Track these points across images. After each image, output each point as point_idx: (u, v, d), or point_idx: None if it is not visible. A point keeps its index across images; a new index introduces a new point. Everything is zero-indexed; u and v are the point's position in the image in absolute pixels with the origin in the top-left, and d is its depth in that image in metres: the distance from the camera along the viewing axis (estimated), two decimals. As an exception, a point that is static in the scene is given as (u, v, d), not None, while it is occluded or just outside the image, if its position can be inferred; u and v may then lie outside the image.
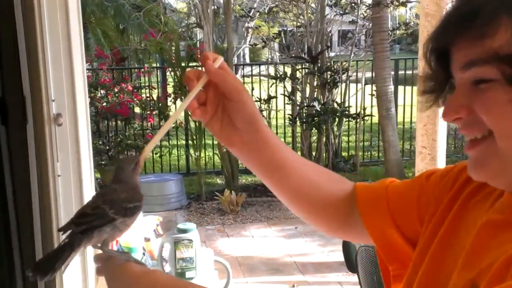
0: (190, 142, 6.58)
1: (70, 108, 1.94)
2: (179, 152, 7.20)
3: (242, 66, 9.36)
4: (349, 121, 6.83)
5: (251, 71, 7.73)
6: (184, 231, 2.30)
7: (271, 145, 0.84)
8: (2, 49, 1.87)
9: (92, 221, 0.74)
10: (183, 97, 6.36)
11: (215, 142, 6.59)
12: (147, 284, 0.75)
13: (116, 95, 6.72)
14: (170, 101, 6.96)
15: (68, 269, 2.02)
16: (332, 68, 6.39)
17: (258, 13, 8.37)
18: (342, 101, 6.70)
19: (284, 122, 7.14)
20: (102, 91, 6.67)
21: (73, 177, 2.00)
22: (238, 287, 3.74)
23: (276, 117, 7.28)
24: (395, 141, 6.24)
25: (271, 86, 6.71)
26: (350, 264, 2.18)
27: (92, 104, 6.04)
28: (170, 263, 2.25)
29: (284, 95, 6.74)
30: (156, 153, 7.06)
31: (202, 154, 6.61)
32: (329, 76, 6.38)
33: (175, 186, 5.72)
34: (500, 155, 0.65)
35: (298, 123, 6.56)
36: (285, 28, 7.71)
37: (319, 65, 6.38)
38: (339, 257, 4.40)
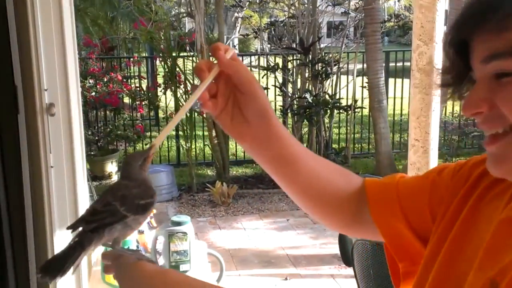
0: (180, 133, 6.53)
1: (63, 97, 1.90)
2: (169, 143, 7.15)
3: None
4: (340, 113, 6.83)
5: (242, 61, 7.68)
6: (178, 223, 2.27)
7: (282, 140, 0.81)
8: (-8, 36, 1.82)
9: (103, 219, 0.70)
10: (173, 87, 6.31)
11: (206, 133, 6.55)
12: (161, 284, 0.72)
13: (106, 84, 6.64)
14: (160, 91, 6.89)
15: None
16: (324, 60, 6.36)
17: (248, 3, 8.30)
18: (334, 93, 6.69)
19: (276, 114, 7.10)
20: (91, 81, 6.59)
21: (66, 168, 1.96)
22: (230, 280, 3.72)
23: (268, 109, 7.24)
24: (387, 133, 6.24)
25: (262, 77, 6.67)
26: (346, 257, 2.17)
27: (81, 94, 5.96)
28: (164, 256, 2.22)
29: (275, 86, 6.70)
30: (146, 144, 7.01)
31: (193, 145, 6.57)
32: (320, 67, 6.35)
33: (166, 178, 5.67)
34: None
35: (289, 114, 6.54)
36: (277, 19, 7.66)
37: (310, 56, 6.35)
38: (331, 250, 4.41)
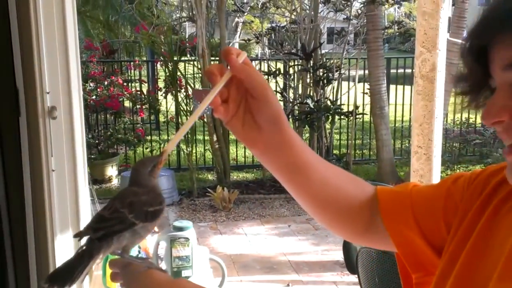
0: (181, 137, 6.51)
1: (65, 101, 1.88)
2: (169, 147, 7.11)
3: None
4: (341, 119, 6.81)
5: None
6: (180, 229, 2.25)
7: (295, 147, 0.79)
8: (-6, 38, 1.80)
9: (110, 226, 0.68)
10: (174, 92, 6.30)
11: (207, 138, 6.53)
12: None
13: (106, 88, 6.62)
14: (161, 95, 6.88)
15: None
16: (326, 66, 6.35)
17: (249, 8, 8.30)
18: (335, 99, 6.68)
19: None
20: (92, 84, 6.58)
21: (67, 172, 1.94)
22: (232, 286, 3.69)
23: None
24: (388, 140, 6.23)
25: (263, 82, 6.65)
26: (350, 264, 2.14)
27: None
28: (166, 261, 2.20)
29: (276, 92, 6.69)
30: (146, 148, 6.99)
31: (194, 150, 6.55)
32: (322, 73, 6.34)
33: (167, 182, 5.65)
34: None
35: (290, 120, 6.52)
36: (278, 24, 7.66)
37: (312, 62, 6.33)
38: (333, 256, 4.39)
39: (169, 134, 7.16)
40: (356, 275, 2.19)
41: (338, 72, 6.55)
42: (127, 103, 7.19)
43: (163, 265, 2.19)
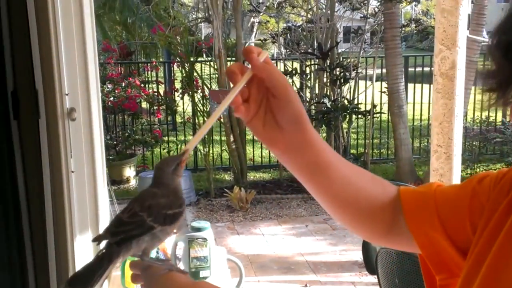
0: (198, 138, 6.52)
1: (84, 102, 1.88)
2: (186, 148, 7.13)
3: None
4: (358, 118, 6.76)
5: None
6: (198, 229, 2.25)
7: (316, 146, 0.77)
8: (13, 41, 1.82)
9: (129, 231, 0.67)
10: (190, 92, 6.32)
11: (223, 138, 6.54)
12: None
13: (124, 89, 6.67)
14: (178, 96, 6.90)
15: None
16: (343, 65, 6.31)
17: (265, 8, 8.29)
18: (352, 98, 6.64)
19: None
20: (110, 86, 6.63)
21: (87, 173, 1.95)
22: (250, 286, 3.69)
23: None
24: (407, 139, 6.16)
25: (280, 82, 6.63)
26: (370, 265, 2.12)
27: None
28: (184, 261, 2.20)
29: (293, 91, 6.66)
30: (163, 149, 7.02)
31: (211, 150, 6.56)
32: (339, 72, 6.30)
33: (184, 182, 5.66)
34: None
35: (307, 119, 6.49)
36: (294, 24, 7.63)
37: (329, 61, 6.30)
38: (351, 256, 4.36)
39: (186, 135, 7.19)
40: (376, 276, 2.17)
41: (355, 71, 6.51)
42: (144, 104, 7.23)
43: (181, 266, 2.20)
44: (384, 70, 6.53)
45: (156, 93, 7.14)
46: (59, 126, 1.83)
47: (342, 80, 6.22)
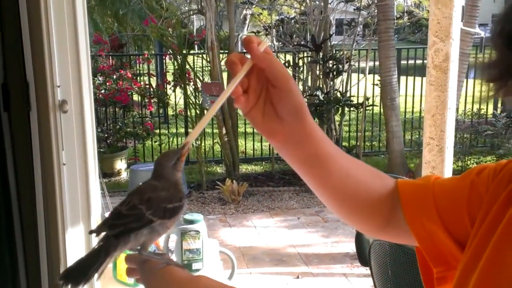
0: (190, 130, 6.50)
1: (75, 94, 1.86)
2: (178, 140, 7.12)
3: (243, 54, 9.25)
4: (350, 111, 6.77)
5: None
6: (191, 222, 2.24)
7: (316, 138, 0.76)
8: (4, 32, 1.79)
9: (127, 223, 0.66)
10: (182, 85, 6.28)
11: (215, 131, 6.52)
12: None
13: (115, 82, 6.63)
14: (170, 88, 6.87)
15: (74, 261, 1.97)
16: (336, 57, 6.31)
17: (258, 0, 8.25)
18: (344, 90, 6.64)
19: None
20: (101, 78, 6.58)
21: (78, 165, 1.93)
22: (242, 278, 3.69)
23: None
24: (399, 132, 6.18)
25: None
26: (363, 257, 2.12)
27: (91, 91, 5.96)
28: (177, 254, 2.19)
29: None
30: (155, 142, 6.99)
31: (203, 143, 6.54)
32: (331, 65, 6.30)
33: (176, 175, 5.64)
34: None
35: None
36: (287, 16, 7.61)
37: (321, 53, 6.29)
38: (343, 248, 4.37)
39: (178, 127, 7.16)
40: (368, 268, 2.17)
41: (348, 64, 6.51)
42: (135, 97, 7.19)
43: (173, 258, 2.19)
44: (376, 63, 6.53)
45: (148, 86, 7.10)
46: (50, 118, 1.81)
47: (335, 73, 6.21)
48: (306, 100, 6.46)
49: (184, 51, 6.11)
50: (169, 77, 7.03)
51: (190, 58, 6.40)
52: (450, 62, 2.65)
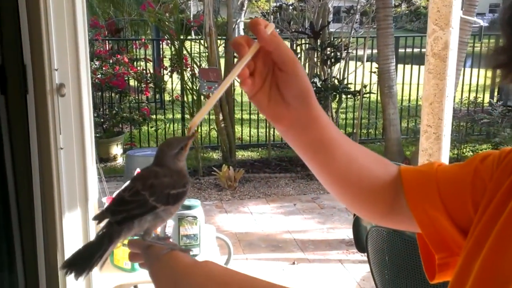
0: (187, 116, 6.49)
1: (73, 78, 1.84)
2: (174, 126, 7.10)
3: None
4: (347, 98, 6.76)
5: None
6: (188, 207, 2.24)
7: (321, 124, 0.75)
8: (1, 14, 1.76)
9: (130, 210, 0.65)
10: (179, 70, 6.25)
11: (212, 117, 6.50)
12: (199, 276, 0.66)
13: (112, 66, 6.58)
14: (167, 74, 6.83)
15: (71, 246, 1.96)
16: (334, 44, 6.28)
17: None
18: (342, 78, 6.62)
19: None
20: (97, 63, 6.53)
21: (76, 150, 1.92)
22: (238, 264, 3.70)
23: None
24: (396, 119, 6.18)
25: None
26: (360, 244, 2.13)
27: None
28: (174, 239, 2.19)
29: (283, 70, 6.62)
30: (151, 127, 6.97)
31: (199, 129, 6.53)
32: (329, 52, 6.27)
33: (172, 161, 5.63)
34: None
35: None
36: (285, 2, 7.55)
37: (319, 41, 6.26)
38: (339, 234, 4.39)
39: (175, 113, 7.13)
40: (364, 254, 2.18)
41: (345, 51, 6.49)
42: (132, 82, 7.15)
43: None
44: (374, 51, 6.51)
45: (144, 71, 7.06)
46: (48, 102, 1.80)
47: (333, 60, 6.19)
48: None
49: (182, 37, 6.06)
50: (166, 63, 6.99)
51: (187, 44, 6.36)
52: (449, 50, 2.64)
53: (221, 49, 6.24)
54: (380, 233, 1.97)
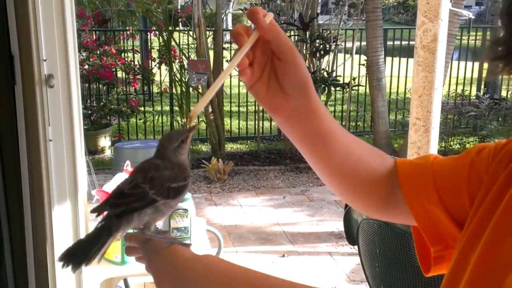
0: (176, 108, 6.45)
1: (62, 68, 1.81)
2: (163, 119, 7.06)
3: (229, 32, 9.15)
4: (336, 90, 6.76)
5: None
6: (179, 200, 2.23)
7: (320, 115, 0.75)
8: (-13, 3, 1.73)
9: (130, 203, 0.63)
10: (168, 62, 6.20)
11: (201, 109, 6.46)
12: (199, 270, 0.65)
13: (99, 57, 6.51)
14: (155, 65, 6.78)
15: (61, 240, 1.94)
16: (323, 36, 6.27)
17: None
18: (331, 70, 6.62)
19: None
20: (84, 54, 6.46)
21: (65, 142, 1.89)
22: (228, 257, 3.70)
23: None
24: (385, 112, 6.20)
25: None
26: (351, 236, 2.13)
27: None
28: (165, 233, 2.18)
29: (272, 63, 6.60)
30: (140, 119, 6.92)
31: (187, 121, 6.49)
32: (319, 44, 6.26)
33: (161, 153, 5.61)
34: None
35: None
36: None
37: (308, 32, 6.25)
38: (328, 227, 4.41)
39: (163, 105, 7.09)
40: (353, 247, 2.18)
41: (334, 43, 6.48)
42: (120, 74, 7.09)
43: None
44: (363, 43, 6.51)
45: (132, 62, 7.00)
46: (36, 93, 1.76)
47: (322, 52, 6.18)
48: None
49: (170, 28, 6.02)
50: (154, 54, 6.93)
51: (175, 35, 6.31)
52: (438, 42, 2.64)
53: (210, 40, 6.20)
54: (371, 225, 1.97)
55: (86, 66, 6.37)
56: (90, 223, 2.17)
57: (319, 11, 6.79)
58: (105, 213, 0.65)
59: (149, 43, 7.55)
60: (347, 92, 6.69)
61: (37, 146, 1.83)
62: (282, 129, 0.77)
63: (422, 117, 2.80)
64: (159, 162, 0.67)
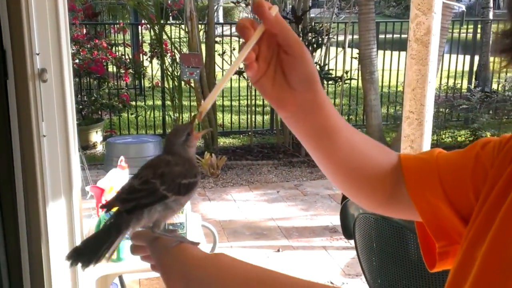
0: (168, 103, 6.42)
1: (56, 63, 1.78)
2: (155, 113, 7.02)
3: (221, 26, 9.11)
4: (328, 84, 6.75)
5: (230, 31, 7.52)
6: (174, 195, 2.21)
7: (325, 110, 0.73)
8: (-22, -4, 1.69)
9: (139, 198, 0.62)
10: (159, 56, 6.16)
11: (193, 103, 6.44)
12: (211, 270, 0.64)
13: (90, 51, 6.45)
14: (146, 59, 6.73)
15: (55, 236, 1.92)
16: (316, 29, 6.25)
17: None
18: (323, 64, 6.61)
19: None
20: (75, 47, 6.39)
21: (59, 137, 1.86)
22: (223, 252, 3.69)
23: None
24: (377, 106, 6.20)
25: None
26: (347, 230, 2.13)
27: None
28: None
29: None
30: (131, 114, 6.88)
31: (180, 116, 6.46)
32: (311, 37, 6.24)
33: (154, 148, 5.57)
34: None
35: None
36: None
37: (301, 26, 6.22)
38: (322, 221, 4.41)
39: (155, 99, 7.04)
40: (348, 241, 2.18)
41: (327, 37, 6.46)
42: (111, 68, 7.03)
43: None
44: (355, 36, 6.50)
45: (123, 56, 6.94)
46: (29, 87, 1.74)
47: (314, 46, 6.17)
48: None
49: (162, 21, 5.97)
50: (145, 48, 6.88)
51: (167, 28, 6.27)
52: (432, 35, 2.64)
53: (202, 33, 6.16)
54: (368, 219, 1.97)
55: (77, 60, 6.31)
56: (84, 219, 2.15)
57: (311, 4, 6.76)
58: (114, 210, 0.63)
59: (140, 37, 7.50)
60: (339, 85, 6.68)
61: (30, 142, 1.80)
62: (287, 124, 0.76)
63: (415, 110, 2.80)
64: (170, 157, 0.66)
